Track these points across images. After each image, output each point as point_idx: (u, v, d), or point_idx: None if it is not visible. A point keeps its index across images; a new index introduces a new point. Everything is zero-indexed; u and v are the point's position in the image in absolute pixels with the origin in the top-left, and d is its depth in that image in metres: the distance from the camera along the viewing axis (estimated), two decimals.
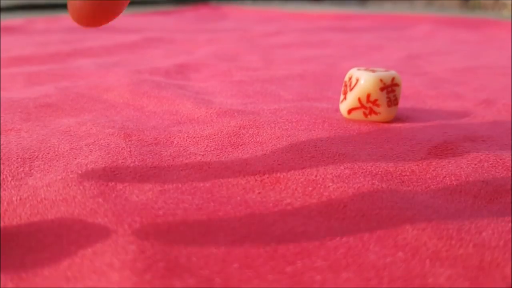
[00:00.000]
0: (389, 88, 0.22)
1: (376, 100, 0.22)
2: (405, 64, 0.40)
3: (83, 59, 0.40)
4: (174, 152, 0.18)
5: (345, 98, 0.22)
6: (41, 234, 0.13)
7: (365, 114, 0.22)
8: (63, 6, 1.01)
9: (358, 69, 0.22)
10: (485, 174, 0.16)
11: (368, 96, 0.22)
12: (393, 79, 0.22)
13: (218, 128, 0.21)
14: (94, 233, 0.13)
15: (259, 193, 0.15)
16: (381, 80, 0.21)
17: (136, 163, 0.17)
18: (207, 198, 0.14)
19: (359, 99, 0.22)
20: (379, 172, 0.16)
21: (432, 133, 0.21)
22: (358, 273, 0.11)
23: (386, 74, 0.22)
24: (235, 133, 0.20)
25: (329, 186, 0.15)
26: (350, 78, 0.22)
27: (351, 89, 0.22)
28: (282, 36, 0.57)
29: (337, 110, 0.24)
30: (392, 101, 0.22)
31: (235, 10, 0.98)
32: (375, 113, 0.22)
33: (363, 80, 0.21)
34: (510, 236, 0.12)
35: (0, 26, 0.61)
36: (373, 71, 0.22)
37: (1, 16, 0.79)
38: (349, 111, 0.22)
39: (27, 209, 0.14)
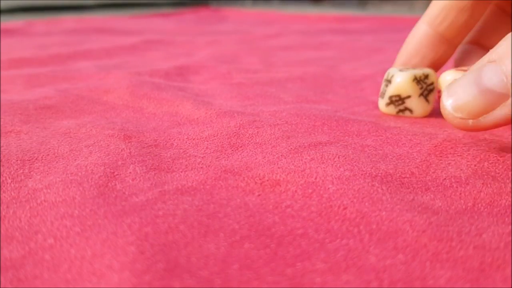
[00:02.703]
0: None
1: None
2: None
3: (83, 61, 0.40)
4: (174, 154, 0.18)
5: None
6: (40, 236, 0.13)
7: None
8: (64, 8, 1.01)
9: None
10: (485, 176, 0.16)
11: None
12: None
13: (217, 128, 0.21)
14: (93, 234, 0.13)
15: (258, 195, 0.15)
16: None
17: (136, 164, 0.17)
18: (207, 200, 0.14)
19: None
20: (379, 174, 0.16)
21: (432, 133, 0.21)
22: (358, 276, 0.11)
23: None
24: (234, 133, 0.20)
25: (329, 188, 0.15)
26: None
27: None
28: (282, 38, 0.57)
29: (337, 111, 0.24)
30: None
31: (235, 12, 0.98)
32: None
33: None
34: (510, 238, 0.12)
35: (0, 28, 0.61)
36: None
37: (1, 18, 0.79)
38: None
39: (27, 211, 0.14)
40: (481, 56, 0.22)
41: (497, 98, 0.15)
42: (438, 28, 0.22)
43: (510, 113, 0.15)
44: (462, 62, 0.24)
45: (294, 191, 0.15)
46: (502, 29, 0.24)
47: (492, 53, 0.16)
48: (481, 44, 0.24)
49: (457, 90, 0.16)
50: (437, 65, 0.24)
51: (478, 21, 0.23)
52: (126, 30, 0.64)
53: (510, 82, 0.15)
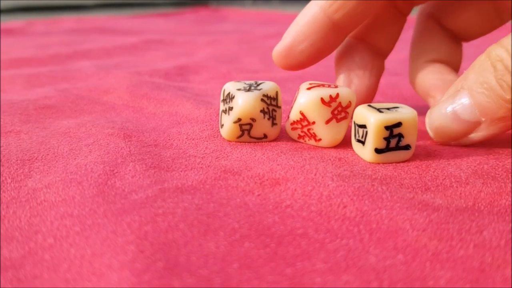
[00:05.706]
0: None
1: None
2: (406, 66, 0.40)
3: (83, 61, 0.40)
4: (173, 154, 0.18)
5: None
6: (40, 236, 0.13)
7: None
8: (63, 8, 1.01)
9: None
10: (485, 176, 0.16)
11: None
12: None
13: (217, 127, 0.21)
14: (93, 233, 0.13)
15: (258, 195, 0.15)
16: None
17: (136, 162, 0.17)
18: (206, 199, 0.14)
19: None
20: (379, 176, 0.16)
21: (429, 138, 0.21)
22: (358, 276, 0.11)
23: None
24: None
25: (328, 185, 0.15)
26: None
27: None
28: None
29: None
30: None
31: (235, 12, 0.98)
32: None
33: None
34: (510, 236, 0.12)
35: (0, 27, 0.61)
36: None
37: (1, 18, 0.79)
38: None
39: (27, 211, 0.14)
40: (363, 53, 0.22)
41: (471, 125, 0.18)
42: (333, 15, 0.20)
43: (486, 135, 0.18)
44: (343, 56, 0.23)
45: (294, 189, 0.15)
46: (390, 28, 0.23)
47: (462, 81, 0.18)
48: (365, 40, 0.23)
49: (435, 120, 0.19)
50: (324, 54, 0.21)
51: (373, 13, 0.21)
52: (126, 30, 0.64)
53: (478, 113, 0.17)
